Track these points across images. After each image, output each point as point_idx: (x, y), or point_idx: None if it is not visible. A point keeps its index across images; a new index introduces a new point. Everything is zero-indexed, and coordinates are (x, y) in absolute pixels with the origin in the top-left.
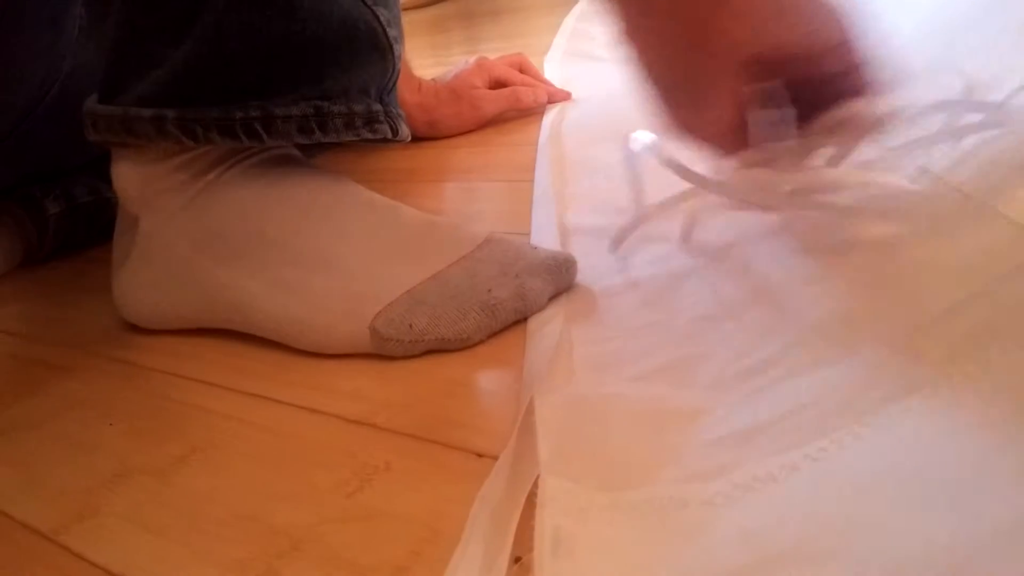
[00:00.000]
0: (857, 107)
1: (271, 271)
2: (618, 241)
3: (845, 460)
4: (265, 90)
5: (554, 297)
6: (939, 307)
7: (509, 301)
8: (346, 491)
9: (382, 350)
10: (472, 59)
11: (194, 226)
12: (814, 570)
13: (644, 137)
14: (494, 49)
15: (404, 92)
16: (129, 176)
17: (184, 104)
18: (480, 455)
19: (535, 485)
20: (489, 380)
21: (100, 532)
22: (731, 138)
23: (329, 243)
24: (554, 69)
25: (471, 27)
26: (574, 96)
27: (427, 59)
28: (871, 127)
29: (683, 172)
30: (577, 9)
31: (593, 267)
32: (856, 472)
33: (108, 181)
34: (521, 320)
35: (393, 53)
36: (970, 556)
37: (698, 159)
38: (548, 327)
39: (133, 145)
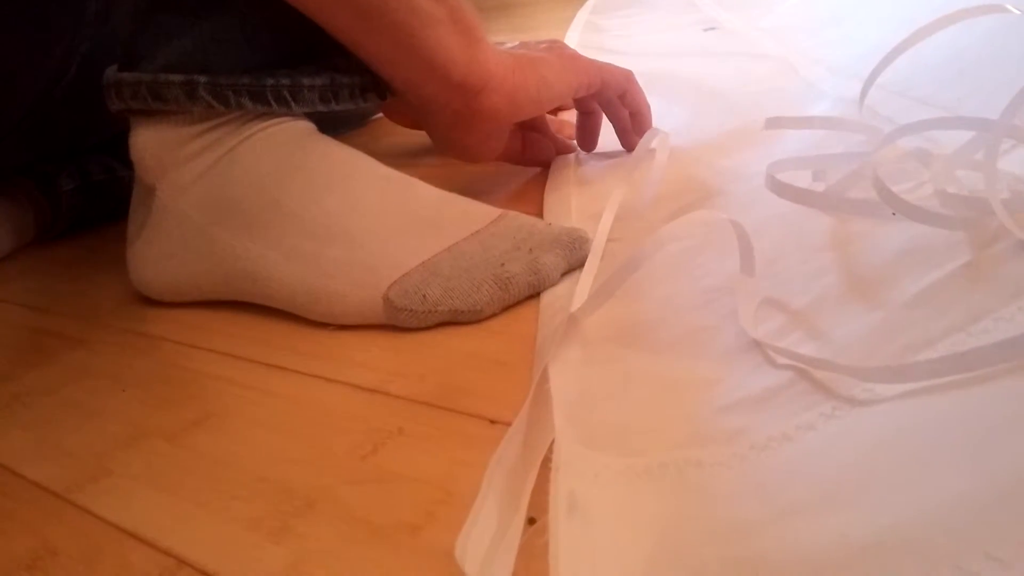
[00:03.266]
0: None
1: (287, 241)
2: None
3: (860, 417)
4: (290, 61)
5: (567, 272)
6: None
7: (522, 275)
8: (360, 454)
9: (395, 320)
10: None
11: (210, 196)
12: (827, 520)
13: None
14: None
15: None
16: (147, 145)
17: (214, 71)
18: (493, 422)
19: (549, 450)
20: (501, 352)
21: (113, 492)
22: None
23: (345, 214)
24: None
25: (482, 21)
26: None
27: None
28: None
29: (785, 191)
30: (591, 3)
31: (605, 242)
32: (871, 428)
33: (122, 160)
34: (534, 295)
35: None
36: (985, 508)
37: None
38: (561, 301)
39: (157, 112)
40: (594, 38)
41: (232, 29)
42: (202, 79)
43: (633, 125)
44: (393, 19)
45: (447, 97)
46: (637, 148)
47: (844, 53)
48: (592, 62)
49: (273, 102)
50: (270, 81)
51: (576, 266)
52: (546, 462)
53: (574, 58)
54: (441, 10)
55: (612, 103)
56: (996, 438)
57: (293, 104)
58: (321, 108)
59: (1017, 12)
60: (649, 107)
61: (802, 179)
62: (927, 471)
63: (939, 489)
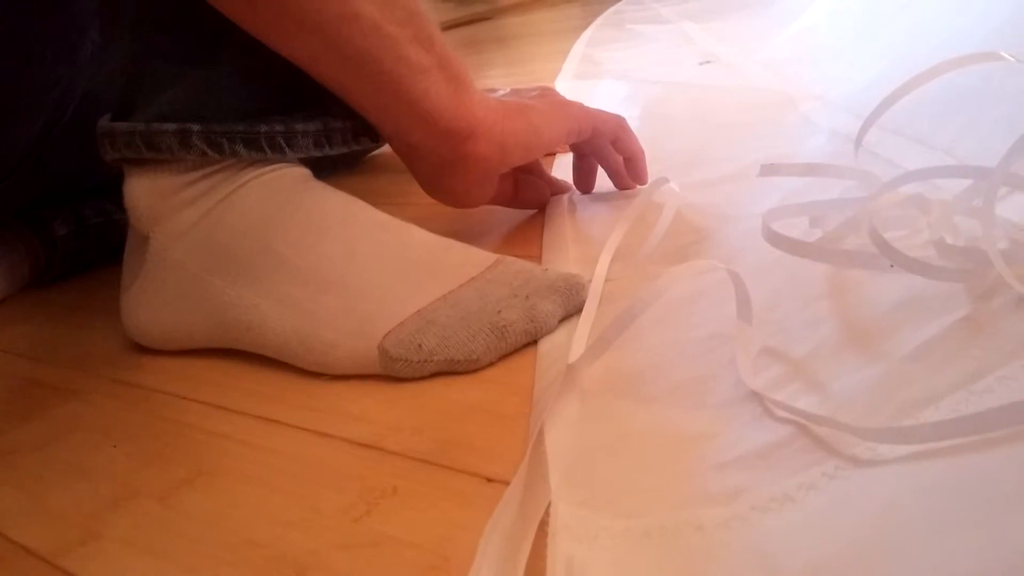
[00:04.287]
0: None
1: (281, 290)
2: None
3: (863, 478)
4: (284, 108)
5: (564, 319)
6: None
7: (519, 323)
8: (353, 516)
9: (390, 371)
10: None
11: (205, 244)
12: None
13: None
14: (502, 75)
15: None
16: (142, 194)
17: (207, 120)
18: (490, 480)
19: (547, 513)
20: (498, 403)
21: (101, 556)
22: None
23: (340, 262)
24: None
25: (479, 53)
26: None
27: None
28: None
29: (782, 242)
30: (586, 35)
31: (604, 288)
32: (874, 491)
33: (117, 203)
34: (531, 342)
35: None
36: None
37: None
38: (559, 350)
39: (152, 161)
40: (589, 70)
41: (225, 77)
42: (196, 127)
43: (628, 170)
44: (381, 68)
45: (434, 143)
46: (640, 197)
47: (841, 88)
48: (584, 109)
49: (267, 149)
50: (264, 128)
51: (573, 312)
52: (543, 526)
53: (564, 105)
54: (429, 59)
55: (604, 150)
56: (1005, 509)
57: (287, 150)
58: (315, 153)
59: (1012, 59)
60: (643, 152)
61: (798, 224)
62: (934, 543)
63: (947, 563)
